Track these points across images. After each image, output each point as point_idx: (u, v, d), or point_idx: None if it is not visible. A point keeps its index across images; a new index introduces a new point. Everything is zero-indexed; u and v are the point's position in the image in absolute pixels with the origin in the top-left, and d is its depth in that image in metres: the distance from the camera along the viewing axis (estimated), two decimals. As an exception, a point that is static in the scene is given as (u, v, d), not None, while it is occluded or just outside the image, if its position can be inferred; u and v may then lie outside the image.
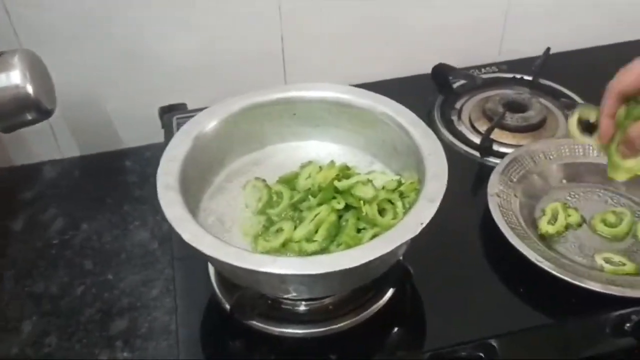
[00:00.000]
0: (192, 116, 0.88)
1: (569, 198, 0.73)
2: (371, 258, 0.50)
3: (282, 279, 0.52)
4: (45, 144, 0.97)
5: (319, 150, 0.70)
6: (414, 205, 0.55)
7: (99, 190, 0.92)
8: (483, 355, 0.60)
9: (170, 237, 0.83)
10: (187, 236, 0.52)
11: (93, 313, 0.75)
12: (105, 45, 0.90)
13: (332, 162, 0.66)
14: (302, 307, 0.62)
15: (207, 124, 0.65)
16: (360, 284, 0.59)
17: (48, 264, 0.81)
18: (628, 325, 0.62)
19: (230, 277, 0.58)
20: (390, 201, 0.60)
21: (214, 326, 0.63)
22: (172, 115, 0.89)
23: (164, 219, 0.84)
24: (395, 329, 0.62)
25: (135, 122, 0.99)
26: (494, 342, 0.60)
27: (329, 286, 0.57)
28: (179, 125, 0.87)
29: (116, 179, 0.94)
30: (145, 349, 0.70)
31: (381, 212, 0.60)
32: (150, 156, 0.98)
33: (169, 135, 0.87)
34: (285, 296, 0.60)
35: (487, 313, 0.62)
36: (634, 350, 0.66)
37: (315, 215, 0.60)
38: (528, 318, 0.62)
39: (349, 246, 0.57)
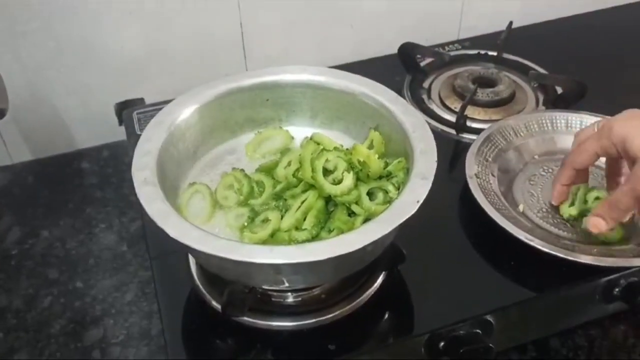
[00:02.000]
0: (153, 110, 0.86)
1: (542, 173, 0.73)
2: (370, 241, 0.48)
3: (278, 269, 0.50)
4: (-7, 150, 0.90)
5: (296, 136, 0.68)
6: (406, 184, 0.53)
7: (57, 195, 0.86)
8: (480, 332, 0.59)
9: (140, 238, 0.79)
10: (173, 232, 0.49)
11: (64, 324, 0.70)
12: (48, 41, 0.85)
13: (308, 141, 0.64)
14: (293, 299, 0.59)
15: (179, 114, 0.61)
16: (355, 270, 0.57)
17: (8, 277, 0.76)
18: (617, 290, 0.63)
19: (218, 271, 0.55)
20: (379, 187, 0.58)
21: (202, 325, 0.59)
22: (132, 110, 0.85)
23: (130, 219, 0.82)
24: (392, 313, 0.60)
25: (89, 120, 0.94)
26: (490, 318, 0.59)
27: (324, 274, 0.55)
28: (140, 121, 0.83)
29: (74, 182, 0.89)
30: (125, 356, 0.67)
31: (370, 195, 0.58)
32: (108, 156, 0.93)
33: (130, 132, 0.83)
34: (277, 287, 0.57)
35: (480, 290, 0.62)
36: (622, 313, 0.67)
37: (302, 203, 0.58)
38: (521, 292, 0.61)
39: (341, 231, 0.55)
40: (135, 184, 0.53)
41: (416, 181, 0.53)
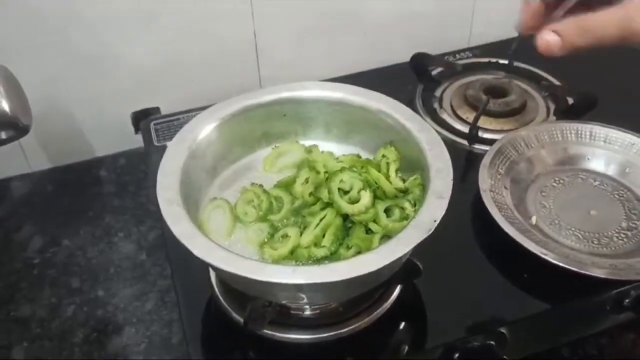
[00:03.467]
0: (170, 121, 0.87)
1: (554, 184, 0.75)
2: (390, 261, 0.50)
3: (300, 288, 0.52)
4: (12, 158, 0.92)
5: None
6: (423, 203, 0.55)
7: (76, 203, 0.88)
8: (494, 343, 0.61)
9: (158, 247, 0.81)
10: (199, 253, 0.50)
11: (87, 333, 0.72)
12: (66, 51, 0.86)
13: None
14: (311, 312, 0.61)
15: (199, 132, 0.63)
16: (372, 287, 0.58)
17: (31, 286, 0.77)
18: (627, 301, 0.64)
19: (241, 288, 0.56)
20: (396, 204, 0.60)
21: (223, 337, 0.61)
22: (149, 120, 0.86)
23: (148, 228, 0.84)
24: (407, 325, 0.62)
25: (106, 129, 0.95)
26: (504, 330, 0.61)
27: (342, 292, 0.57)
28: (157, 131, 0.85)
29: (92, 190, 0.91)
30: (147, 365, 0.69)
31: (387, 211, 0.59)
32: (125, 163, 0.95)
33: (148, 141, 0.85)
34: (298, 303, 0.59)
35: (493, 303, 0.63)
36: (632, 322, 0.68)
37: (321, 220, 0.59)
38: (534, 305, 0.63)
39: (360, 248, 0.57)
40: (161, 205, 0.54)
41: (433, 200, 0.54)
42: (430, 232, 0.52)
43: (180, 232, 0.52)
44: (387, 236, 0.58)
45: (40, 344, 0.71)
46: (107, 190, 0.90)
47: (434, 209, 0.54)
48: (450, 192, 0.55)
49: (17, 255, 0.81)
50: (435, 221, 0.52)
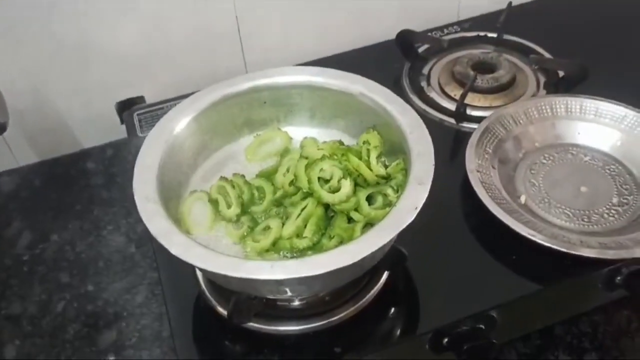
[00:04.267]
0: (153, 110, 0.86)
1: (544, 161, 0.73)
2: (369, 252, 0.49)
3: (281, 282, 0.51)
4: (-2, 154, 0.91)
5: (295, 136, 0.68)
6: (404, 189, 0.54)
7: (64, 197, 0.88)
8: (484, 327, 0.60)
9: (147, 239, 0.80)
10: (175, 250, 0.50)
11: (78, 328, 0.72)
12: (46, 43, 0.85)
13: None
14: (298, 303, 0.60)
15: (177, 124, 0.62)
16: (356, 276, 0.57)
17: (22, 283, 0.77)
18: (619, 278, 0.63)
19: (223, 284, 0.56)
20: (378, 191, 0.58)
21: (210, 331, 0.61)
22: (133, 111, 0.85)
23: (137, 220, 0.83)
24: (395, 312, 0.61)
25: (92, 120, 0.94)
26: (493, 313, 0.60)
27: (327, 283, 0.56)
28: (141, 121, 0.84)
29: (80, 183, 0.90)
30: (139, 357, 0.68)
31: (369, 199, 0.58)
32: (112, 155, 0.94)
33: (131, 132, 0.83)
34: (281, 297, 0.58)
35: (482, 286, 0.62)
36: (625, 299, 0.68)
37: (302, 210, 0.58)
38: (524, 286, 0.62)
39: (342, 238, 0.56)
40: (137, 202, 0.53)
41: (414, 187, 0.53)
42: (411, 221, 0.51)
43: (156, 230, 0.51)
44: (370, 224, 0.57)
45: (32, 341, 0.71)
46: (95, 182, 0.90)
47: (414, 195, 0.52)
48: (431, 178, 0.54)
49: (6, 252, 0.81)
50: (416, 208, 0.51)
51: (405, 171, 0.59)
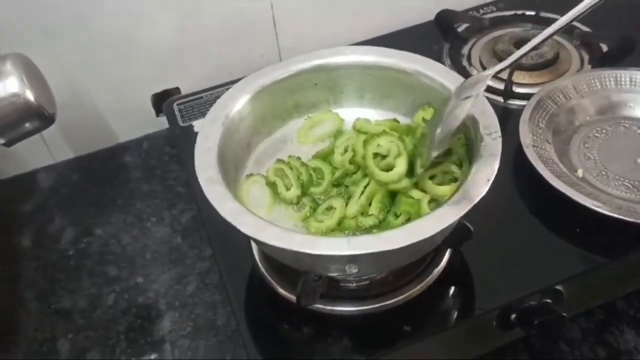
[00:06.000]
0: (192, 100, 0.85)
1: (597, 134, 0.72)
2: (446, 225, 0.48)
3: (355, 259, 0.50)
4: (35, 150, 0.90)
5: (346, 118, 0.67)
6: (474, 162, 0.53)
7: (104, 192, 0.87)
8: (550, 301, 0.59)
9: (192, 229, 0.80)
10: (250, 231, 0.49)
11: (131, 320, 0.71)
12: (82, 38, 0.84)
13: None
14: (362, 283, 0.60)
15: (232, 107, 0.61)
16: (425, 253, 0.57)
17: (69, 277, 0.76)
18: (685, 248, 0.62)
19: (292, 264, 0.55)
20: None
21: (274, 315, 0.60)
22: (172, 101, 0.84)
23: (180, 211, 0.83)
24: (461, 290, 0.60)
25: (127, 113, 0.93)
26: (560, 287, 0.59)
27: (397, 260, 0.55)
28: (181, 111, 0.83)
29: (119, 177, 0.89)
30: (195, 348, 0.68)
31: (433, 178, 0.57)
32: (149, 148, 0.93)
33: (172, 122, 0.83)
34: (349, 275, 0.57)
35: (547, 260, 0.61)
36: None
37: (365, 187, 0.57)
38: (589, 259, 0.61)
39: (409, 214, 0.55)
40: (202, 184, 0.52)
41: (484, 159, 0.52)
42: (485, 192, 0.50)
43: (226, 212, 0.50)
44: (435, 200, 0.56)
45: (85, 334, 0.70)
46: (134, 176, 0.89)
47: (485, 167, 0.52)
48: (500, 150, 0.53)
49: (51, 248, 0.80)
50: (488, 180, 0.51)
51: (467, 146, 0.58)
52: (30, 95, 0.59)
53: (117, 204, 0.85)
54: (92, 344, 0.69)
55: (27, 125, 0.62)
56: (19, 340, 0.70)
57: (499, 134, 0.54)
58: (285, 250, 0.48)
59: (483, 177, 0.51)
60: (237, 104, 0.61)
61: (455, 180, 0.56)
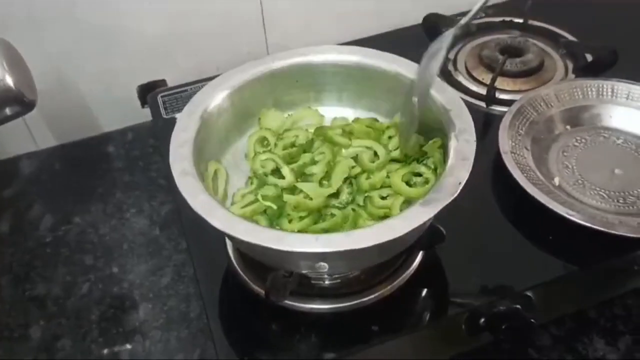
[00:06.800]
0: (177, 93, 0.85)
1: (576, 144, 0.72)
2: (414, 226, 0.48)
3: (323, 256, 0.50)
4: (18, 137, 0.90)
5: (328, 115, 0.67)
6: (446, 165, 0.53)
7: (86, 181, 0.87)
8: (520, 307, 0.60)
9: (171, 222, 0.79)
10: (219, 224, 0.49)
11: (104, 310, 0.71)
12: (69, 26, 0.83)
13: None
14: (333, 281, 0.60)
15: (210, 101, 0.61)
16: (395, 254, 0.57)
17: (45, 264, 0.76)
18: (656, 259, 0.63)
19: (261, 258, 0.55)
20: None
21: (243, 310, 0.60)
22: (156, 93, 0.84)
23: (160, 203, 0.83)
24: (431, 291, 0.61)
25: (112, 103, 0.93)
26: (530, 293, 0.60)
27: (367, 259, 0.55)
28: (165, 103, 0.83)
29: (101, 167, 0.89)
30: (167, 340, 0.68)
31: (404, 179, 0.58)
32: (132, 138, 0.93)
33: (156, 114, 0.83)
34: (319, 273, 0.57)
35: (519, 266, 0.62)
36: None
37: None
38: (561, 266, 0.61)
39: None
40: (175, 176, 0.52)
41: (457, 162, 0.53)
42: (456, 195, 0.50)
43: (197, 204, 0.50)
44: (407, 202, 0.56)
45: (57, 322, 0.70)
46: (117, 166, 0.89)
47: (458, 171, 0.52)
48: (474, 153, 0.53)
49: (29, 234, 0.80)
50: (460, 183, 0.51)
51: (443, 149, 0.58)
52: (9, 81, 0.59)
53: (97, 194, 0.85)
54: (64, 332, 0.69)
55: (7, 110, 0.61)
56: (-10, 325, 0.70)
57: (474, 138, 0.54)
58: (255, 246, 0.48)
59: (455, 180, 0.51)
60: (215, 98, 0.61)
61: (427, 182, 0.56)
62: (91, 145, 0.93)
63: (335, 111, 0.67)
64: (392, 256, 0.57)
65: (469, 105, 0.77)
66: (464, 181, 0.51)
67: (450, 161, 0.53)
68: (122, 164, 0.89)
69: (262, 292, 0.59)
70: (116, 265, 0.76)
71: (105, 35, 0.86)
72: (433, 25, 0.86)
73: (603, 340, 0.65)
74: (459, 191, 0.50)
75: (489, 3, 0.96)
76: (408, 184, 0.58)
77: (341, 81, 0.66)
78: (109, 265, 0.76)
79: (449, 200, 0.49)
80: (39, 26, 0.82)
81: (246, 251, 0.57)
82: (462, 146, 0.54)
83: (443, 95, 0.59)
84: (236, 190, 0.61)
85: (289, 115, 0.67)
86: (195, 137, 0.57)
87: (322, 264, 0.53)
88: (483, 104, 0.78)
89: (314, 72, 0.66)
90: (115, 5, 0.84)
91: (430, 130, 0.61)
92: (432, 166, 0.58)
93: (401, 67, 0.63)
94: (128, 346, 0.67)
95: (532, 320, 0.58)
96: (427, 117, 0.60)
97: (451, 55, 0.87)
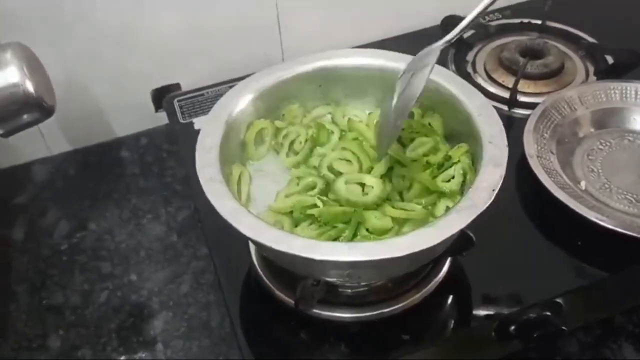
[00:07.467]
0: (193, 97, 0.84)
1: (600, 147, 0.72)
2: (449, 235, 0.47)
3: (355, 265, 0.49)
4: (32, 142, 0.89)
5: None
6: (479, 171, 0.52)
7: (100, 186, 0.86)
8: (550, 314, 0.59)
9: (189, 227, 0.78)
10: (248, 232, 0.48)
11: (124, 318, 0.70)
12: (84, 30, 0.82)
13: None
14: (361, 290, 0.59)
15: (235, 106, 0.60)
16: (427, 262, 0.56)
17: (62, 272, 0.75)
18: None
19: (289, 266, 0.54)
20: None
21: (269, 319, 0.59)
22: (172, 97, 0.83)
23: (177, 209, 0.82)
24: (460, 299, 0.60)
25: (126, 108, 0.92)
26: (559, 300, 0.59)
27: (398, 268, 0.54)
28: (181, 108, 0.82)
29: (116, 172, 0.88)
30: (188, 349, 0.67)
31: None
32: (147, 143, 0.92)
33: (172, 119, 0.82)
34: (349, 281, 0.56)
35: (548, 272, 0.61)
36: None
37: None
38: (591, 273, 0.60)
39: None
40: (202, 183, 0.51)
41: (489, 168, 0.52)
42: (490, 202, 0.49)
43: (225, 211, 0.49)
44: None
45: (76, 331, 0.69)
46: (131, 171, 0.88)
47: (490, 177, 0.51)
48: (506, 159, 0.52)
49: (44, 242, 0.79)
50: (494, 190, 0.50)
51: (471, 154, 0.57)
52: (30, 86, 0.58)
53: (112, 199, 0.84)
54: (83, 342, 0.68)
55: (26, 116, 0.61)
56: (8, 335, 0.69)
57: (505, 143, 0.53)
58: (284, 254, 0.47)
59: (488, 186, 0.50)
60: (240, 102, 0.60)
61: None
62: (105, 150, 0.91)
63: (360, 116, 0.66)
64: (422, 265, 0.56)
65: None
66: (498, 188, 0.50)
67: (482, 168, 0.52)
68: (136, 169, 0.88)
69: (287, 299, 0.58)
70: (134, 272, 0.74)
71: (118, 38, 0.85)
72: (452, 27, 0.85)
73: (632, 346, 0.65)
74: (493, 198, 0.49)
75: (505, 5, 0.97)
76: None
77: (365, 85, 0.65)
78: (127, 272, 0.74)
79: (484, 208, 0.49)
80: (54, 30, 0.80)
81: (273, 259, 0.56)
82: (494, 152, 0.53)
83: (472, 100, 0.58)
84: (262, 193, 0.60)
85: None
86: (221, 142, 0.56)
87: (352, 272, 0.52)
88: (504, 107, 0.77)
89: (337, 75, 0.65)
90: (128, 7, 0.82)
91: (457, 135, 0.60)
92: (462, 171, 0.57)
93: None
94: (149, 356, 0.66)
95: (564, 328, 0.57)
96: (455, 122, 0.60)
97: (470, 58, 0.86)
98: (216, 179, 0.52)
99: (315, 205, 0.55)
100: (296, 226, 0.55)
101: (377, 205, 0.55)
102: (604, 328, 0.66)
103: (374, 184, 0.57)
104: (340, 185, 0.56)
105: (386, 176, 0.58)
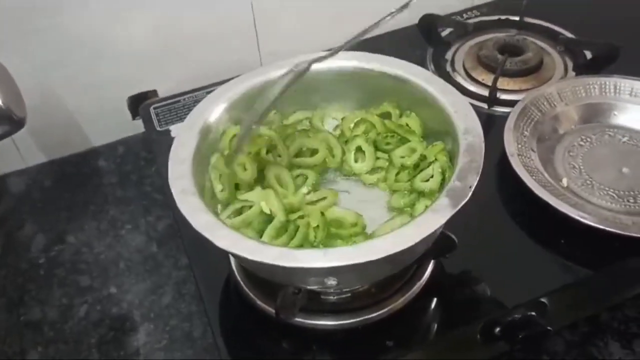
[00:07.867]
0: (170, 104, 0.83)
1: (581, 143, 0.71)
2: (426, 234, 0.46)
3: (332, 271, 0.48)
4: (6, 154, 0.87)
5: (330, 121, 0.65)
6: (455, 168, 0.51)
7: (77, 197, 0.84)
8: (535, 314, 0.58)
9: (169, 237, 0.77)
10: (224, 244, 0.47)
11: (104, 333, 0.68)
12: (55, 37, 0.81)
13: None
14: (344, 296, 0.58)
15: (210, 114, 0.59)
16: (406, 265, 0.55)
17: (40, 287, 0.74)
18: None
19: (268, 276, 0.53)
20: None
21: (250, 329, 0.58)
22: (148, 105, 0.82)
23: (157, 218, 0.80)
24: (444, 302, 0.59)
25: (101, 116, 0.90)
26: (544, 300, 0.58)
27: (377, 271, 0.53)
28: (158, 115, 0.80)
29: (93, 182, 0.86)
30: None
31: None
32: (124, 152, 0.91)
33: (149, 127, 0.80)
34: (329, 287, 0.55)
35: (532, 272, 0.60)
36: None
37: None
38: (575, 271, 0.60)
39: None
40: (175, 196, 0.50)
41: (465, 165, 0.51)
42: (467, 199, 0.48)
43: (199, 224, 0.48)
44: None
45: (55, 347, 0.67)
46: (109, 181, 0.86)
47: (467, 174, 0.50)
48: (482, 156, 0.51)
49: (21, 255, 0.77)
50: (470, 187, 0.49)
51: (448, 153, 0.56)
52: (-3, 99, 0.56)
53: (90, 210, 0.82)
54: (63, 357, 0.67)
55: (-5, 130, 0.59)
56: (-15, 353, 0.67)
57: (482, 140, 0.53)
58: (261, 264, 0.46)
59: (465, 184, 0.49)
60: (214, 111, 0.59)
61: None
62: (81, 160, 0.90)
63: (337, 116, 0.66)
64: (403, 267, 0.55)
65: (470, 107, 0.77)
66: (474, 184, 0.49)
67: (459, 165, 0.51)
68: (114, 178, 0.86)
69: (268, 309, 0.57)
70: (114, 285, 0.73)
71: (92, 46, 0.83)
72: (429, 26, 0.84)
73: (618, 343, 0.64)
74: (469, 195, 0.48)
75: (481, 2, 0.96)
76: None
77: (341, 87, 0.64)
78: (106, 285, 0.73)
79: (461, 205, 0.48)
80: (25, 37, 0.79)
81: (252, 269, 0.55)
82: (470, 149, 0.52)
83: (447, 97, 0.58)
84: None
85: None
86: (195, 152, 0.55)
87: (330, 278, 0.51)
88: (484, 105, 0.76)
89: (312, 79, 0.63)
90: (102, 14, 0.81)
91: (435, 134, 0.59)
92: (440, 170, 0.56)
93: (399, 69, 0.61)
94: (130, 369, 0.65)
95: (549, 328, 0.56)
96: (432, 121, 0.59)
97: (448, 56, 0.85)
98: (189, 191, 0.51)
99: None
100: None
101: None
102: (589, 326, 0.65)
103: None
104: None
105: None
